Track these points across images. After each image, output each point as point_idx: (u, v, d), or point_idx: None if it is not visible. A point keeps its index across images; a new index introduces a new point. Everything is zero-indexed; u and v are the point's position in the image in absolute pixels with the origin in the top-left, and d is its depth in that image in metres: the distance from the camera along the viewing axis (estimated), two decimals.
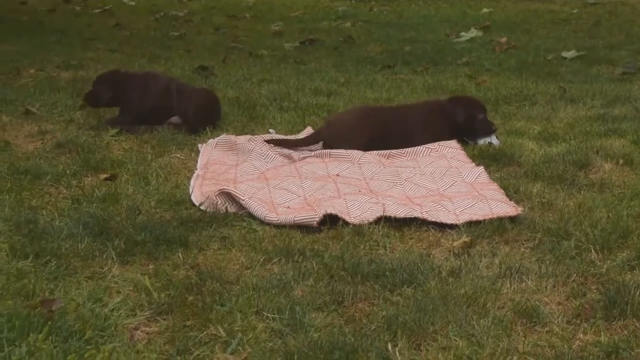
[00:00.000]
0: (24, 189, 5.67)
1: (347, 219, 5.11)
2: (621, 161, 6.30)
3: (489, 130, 6.83)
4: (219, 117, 7.50)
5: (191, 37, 13.36)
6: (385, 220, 5.09)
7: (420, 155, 6.41)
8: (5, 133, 7.08)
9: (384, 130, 6.66)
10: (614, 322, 3.91)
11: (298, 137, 6.92)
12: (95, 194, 5.58)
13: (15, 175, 5.92)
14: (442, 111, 6.82)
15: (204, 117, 7.30)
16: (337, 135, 6.62)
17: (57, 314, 3.84)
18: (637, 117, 7.76)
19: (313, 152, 6.47)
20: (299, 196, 5.56)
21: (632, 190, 5.66)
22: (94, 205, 5.40)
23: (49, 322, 3.75)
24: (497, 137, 6.80)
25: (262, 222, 5.16)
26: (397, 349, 3.69)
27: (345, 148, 6.41)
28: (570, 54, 11.52)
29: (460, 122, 6.75)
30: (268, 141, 6.67)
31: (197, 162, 6.39)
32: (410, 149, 6.49)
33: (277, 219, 5.15)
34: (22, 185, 5.74)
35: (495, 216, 5.13)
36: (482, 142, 6.72)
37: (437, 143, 6.53)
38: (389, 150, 6.48)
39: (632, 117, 7.74)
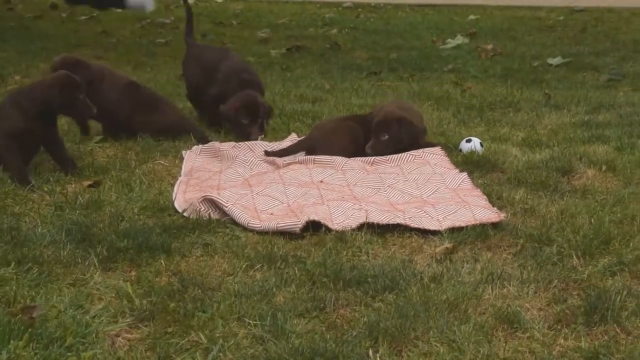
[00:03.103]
0: (7, 196, 5.66)
1: (329, 225, 5.11)
2: (604, 167, 6.32)
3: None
4: None
5: (177, 44, 13.26)
6: (367, 227, 5.10)
7: (404, 162, 6.40)
8: None
9: (365, 134, 6.66)
10: (595, 328, 3.93)
11: (283, 145, 6.91)
12: (79, 201, 5.57)
13: None
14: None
15: None
16: (321, 140, 6.62)
17: (38, 321, 3.84)
18: (621, 123, 7.79)
19: (297, 159, 6.46)
20: (282, 202, 5.56)
21: (614, 196, 5.69)
22: (77, 212, 5.39)
23: (30, 329, 3.75)
24: (481, 144, 6.80)
25: (245, 229, 5.17)
26: (378, 355, 3.70)
27: (329, 153, 6.43)
28: (555, 60, 11.55)
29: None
30: (268, 153, 6.67)
31: (181, 168, 6.38)
32: (394, 155, 6.49)
33: (260, 225, 5.15)
34: (6, 192, 5.72)
35: (478, 222, 5.15)
36: (466, 149, 6.72)
37: (422, 150, 6.54)
38: (374, 157, 6.48)
39: (616, 124, 7.77)
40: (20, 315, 3.87)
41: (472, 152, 6.63)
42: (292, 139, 7.11)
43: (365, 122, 6.76)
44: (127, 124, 7.16)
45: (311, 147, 6.60)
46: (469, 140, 6.82)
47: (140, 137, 7.05)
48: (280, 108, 8.33)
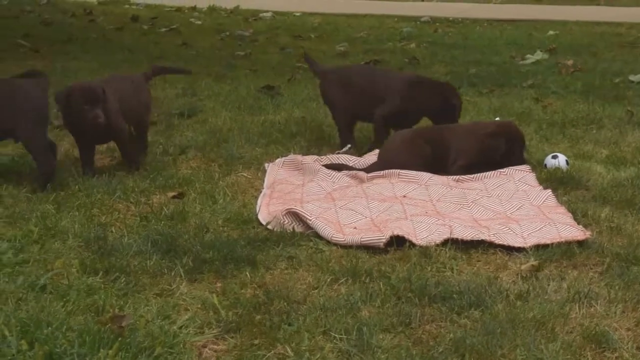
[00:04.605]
0: (93, 206, 5.74)
1: (413, 240, 5.11)
2: None
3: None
4: None
5: (257, 57, 13.41)
6: (452, 242, 5.09)
7: (488, 178, 6.36)
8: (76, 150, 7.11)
9: (436, 150, 6.64)
10: None
11: (366, 160, 6.91)
12: (164, 212, 5.64)
13: (85, 192, 5.99)
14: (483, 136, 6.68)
15: None
16: (389, 162, 6.59)
17: (127, 330, 3.89)
18: None
19: (382, 172, 6.45)
20: (366, 217, 5.56)
21: None
22: (162, 222, 5.46)
23: (119, 338, 3.80)
24: (567, 161, 6.73)
25: (328, 242, 5.19)
26: None
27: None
28: (637, 77, 11.37)
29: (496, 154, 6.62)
30: (327, 166, 6.67)
31: (263, 181, 6.42)
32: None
33: (343, 239, 5.17)
34: (92, 202, 5.80)
35: (563, 240, 5.10)
36: (550, 165, 6.66)
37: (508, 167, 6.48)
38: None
39: None
40: (109, 325, 3.92)
41: (557, 169, 6.57)
42: (376, 153, 7.10)
43: (433, 135, 6.76)
44: None
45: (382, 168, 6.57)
46: (554, 157, 6.76)
47: (224, 149, 7.12)
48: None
